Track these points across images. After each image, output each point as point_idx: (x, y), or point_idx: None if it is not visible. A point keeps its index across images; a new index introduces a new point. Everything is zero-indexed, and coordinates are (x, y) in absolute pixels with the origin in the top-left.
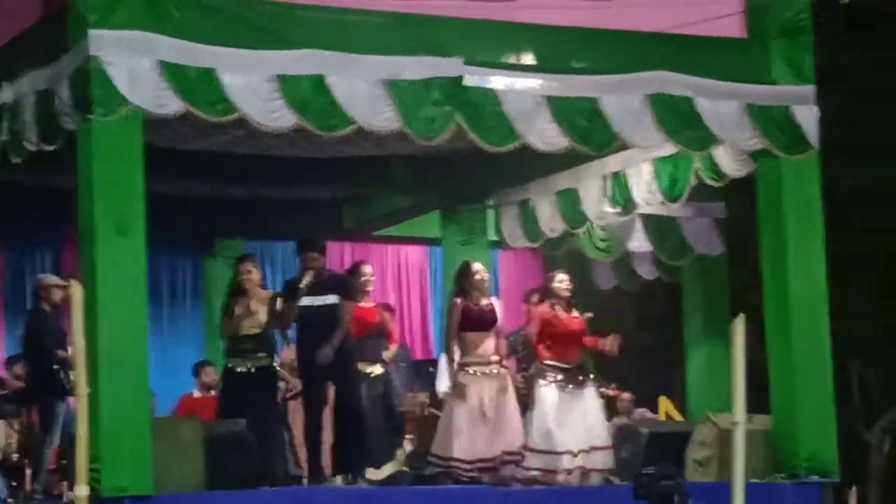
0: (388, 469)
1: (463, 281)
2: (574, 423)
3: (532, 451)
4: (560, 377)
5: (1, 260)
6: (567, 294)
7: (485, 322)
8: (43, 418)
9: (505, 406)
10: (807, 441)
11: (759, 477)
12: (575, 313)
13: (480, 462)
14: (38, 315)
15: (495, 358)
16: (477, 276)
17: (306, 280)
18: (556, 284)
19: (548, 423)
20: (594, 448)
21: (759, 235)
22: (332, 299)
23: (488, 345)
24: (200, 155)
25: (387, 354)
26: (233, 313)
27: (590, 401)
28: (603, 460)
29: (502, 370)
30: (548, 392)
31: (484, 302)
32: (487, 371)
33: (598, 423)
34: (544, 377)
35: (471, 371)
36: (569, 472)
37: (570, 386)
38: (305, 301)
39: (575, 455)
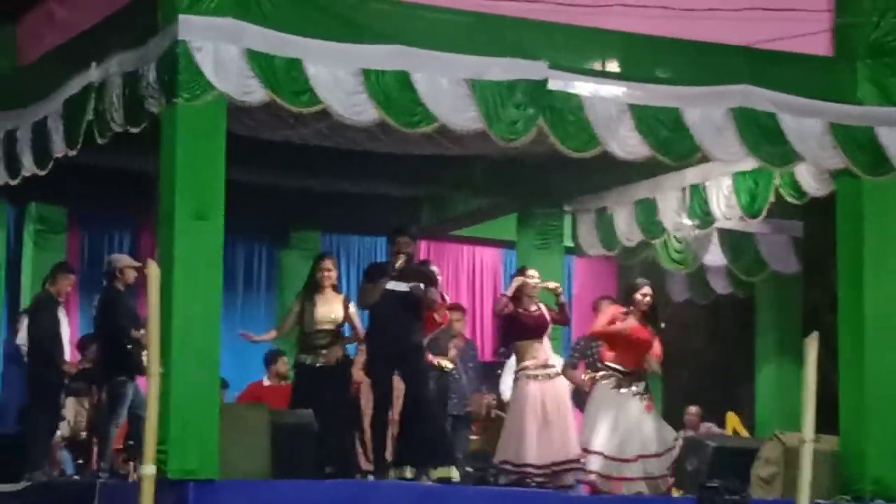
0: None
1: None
2: (629, 430)
3: (592, 453)
4: (618, 379)
5: (78, 241)
6: (645, 308)
7: (536, 329)
8: (111, 397)
9: (564, 411)
10: (874, 464)
11: (823, 497)
12: (645, 326)
13: (548, 467)
14: (111, 295)
15: (551, 362)
16: (531, 281)
17: (400, 262)
18: (638, 296)
19: (606, 428)
20: (648, 456)
21: (837, 255)
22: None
23: (541, 351)
24: (281, 145)
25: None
26: (308, 308)
27: (642, 409)
28: (657, 467)
29: (559, 374)
30: (605, 395)
31: (532, 308)
32: (545, 374)
33: (651, 430)
34: (603, 379)
35: (529, 374)
36: (626, 479)
37: (625, 389)
38: (390, 285)
39: (632, 461)
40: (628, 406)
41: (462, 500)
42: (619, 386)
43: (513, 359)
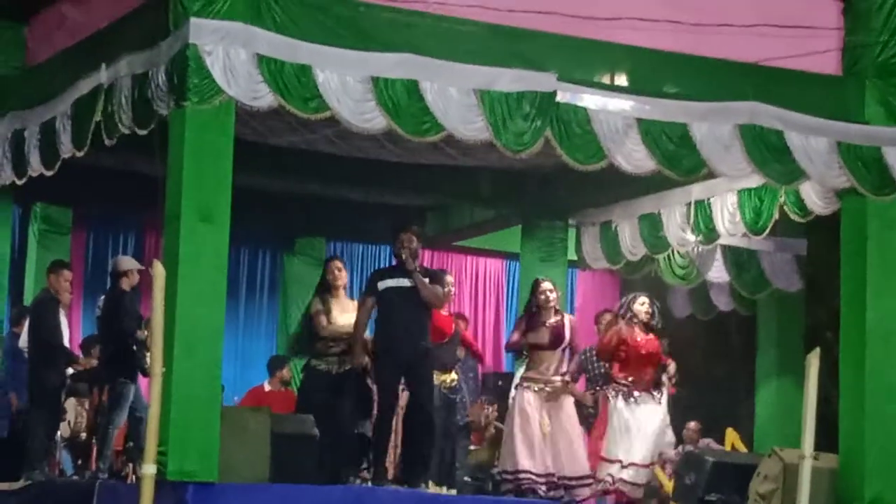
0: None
1: (531, 297)
2: (642, 437)
3: (606, 461)
4: (632, 393)
5: (83, 241)
6: (646, 317)
7: (551, 340)
8: (112, 398)
9: (566, 425)
10: (872, 482)
11: None
12: (650, 336)
13: (548, 477)
14: (116, 296)
15: (557, 377)
16: (542, 296)
17: (405, 255)
18: (637, 306)
19: (619, 437)
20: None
21: (840, 274)
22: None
23: (552, 362)
24: (288, 151)
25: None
26: (329, 313)
27: (656, 417)
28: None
29: (564, 389)
30: (619, 406)
31: (552, 320)
32: (549, 388)
33: (662, 439)
34: (616, 393)
35: (533, 388)
36: (636, 485)
37: (640, 402)
38: (390, 283)
39: (641, 467)
40: (641, 417)
41: None
42: (634, 399)
43: (519, 372)
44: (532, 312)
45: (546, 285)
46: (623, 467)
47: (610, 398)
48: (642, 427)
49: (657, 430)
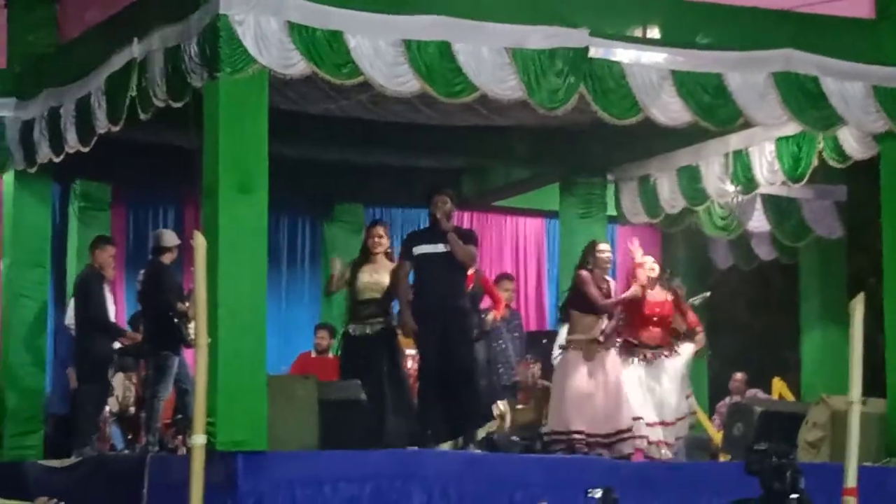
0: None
1: (589, 257)
2: (649, 396)
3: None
4: (640, 355)
5: (123, 217)
6: (653, 275)
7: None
8: (156, 371)
9: (609, 383)
10: None
11: (871, 460)
12: (659, 294)
13: (591, 436)
14: (157, 269)
15: (602, 338)
16: (604, 255)
17: (439, 215)
18: (640, 271)
19: (639, 396)
20: (664, 423)
21: (881, 218)
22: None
23: (596, 327)
24: (323, 118)
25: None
26: (355, 277)
27: (666, 376)
28: (672, 433)
29: (610, 348)
30: (631, 367)
31: (602, 284)
32: (594, 348)
33: (671, 398)
34: (625, 354)
35: (576, 347)
36: (639, 441)
37: (648, 363)
38: (425, 249)
39: (648, 425)
40: (651, 377)
41: (508, 467)
42: (642, 359)
43: (563, 330)
44: (590, 271)
45: (605, 246)
46: (648, 425)
47: (625, 360)
48: (656, 386)
49: (672, 389)
